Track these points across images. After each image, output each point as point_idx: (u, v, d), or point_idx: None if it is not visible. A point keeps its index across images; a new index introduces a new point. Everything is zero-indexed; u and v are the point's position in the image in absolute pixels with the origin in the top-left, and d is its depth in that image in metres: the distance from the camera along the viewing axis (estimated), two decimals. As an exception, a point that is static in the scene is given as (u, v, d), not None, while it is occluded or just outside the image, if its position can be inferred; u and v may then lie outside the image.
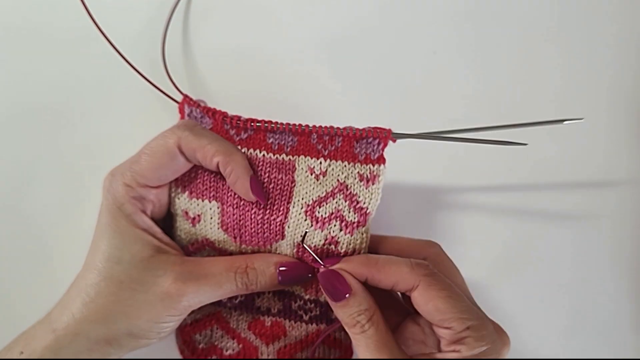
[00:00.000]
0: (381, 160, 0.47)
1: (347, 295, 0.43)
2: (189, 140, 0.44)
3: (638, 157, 0.60)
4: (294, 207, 0.47)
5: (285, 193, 0.47)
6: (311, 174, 0.47)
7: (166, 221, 0.50)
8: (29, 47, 0.58)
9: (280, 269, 0.47)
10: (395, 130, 0.47)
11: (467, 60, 0.60)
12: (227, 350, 0.52)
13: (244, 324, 0.51)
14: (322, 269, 0.45)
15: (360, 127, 0.47)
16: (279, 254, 0.49)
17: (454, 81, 0.59)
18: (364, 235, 0.47)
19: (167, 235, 0.48)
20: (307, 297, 0.50)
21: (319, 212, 0.47)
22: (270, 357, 0.51)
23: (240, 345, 0.51)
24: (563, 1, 0.61)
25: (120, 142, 0.55)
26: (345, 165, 0.47)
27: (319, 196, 0.47)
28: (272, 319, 0.51)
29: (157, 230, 0.47)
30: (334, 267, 0.44)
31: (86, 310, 0.43)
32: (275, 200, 0.47)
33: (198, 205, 0.48)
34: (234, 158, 0.45)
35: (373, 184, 0.47)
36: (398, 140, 0.47)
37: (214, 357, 0.52)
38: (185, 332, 0.52)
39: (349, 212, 0.47)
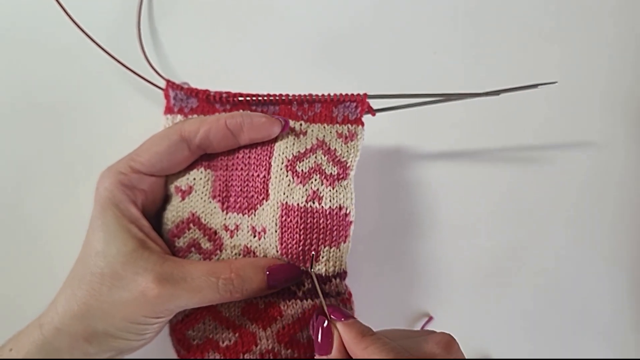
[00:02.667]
0: (359, 122, 0.49)
1: (322, 352, 0.43)
2: (191, 122, 0.46)
3: (635, 156, 0.61)
4: (274, 161, 0.48)
5: (266, 148, 0.48)
6: (291, 132, 0.49)
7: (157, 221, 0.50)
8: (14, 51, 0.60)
9: (268, 273, 0.46)
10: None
11: (467, 60, 0.62)
12: (223, 342, 0.49)
13: (237, 311, 0.49)
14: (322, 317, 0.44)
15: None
16: (265, 257, 0.48)
17: (454, 80, 0.61)
18: (347, 189, 0.47)
19: (154, 231, 0.48)
20: None
21: (299, 167, 0.47)
22: (269, 342, 0.49)
23: (237, 334, 0.49)
24: (562, 2, 0.64)
25: (111, 138, 0.57)
26: (324, 127, 0.49)
27: (298, 152, 0.48)
28: (265, 300, 0.49)
29: (144, 223, 0.46)
30: (338, 325, 0.43)
31: (68, 304, 0.43)
32: (258, 156, 0.48)
33: (191, 174, 0.49)
34: (237, 113, 0.47)
35: (352, 140, 0.49)
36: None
37: (210, 352, 0.49)
38: (178, 330, 0.50)
39: (329, 165, 0.48)
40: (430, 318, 0.58)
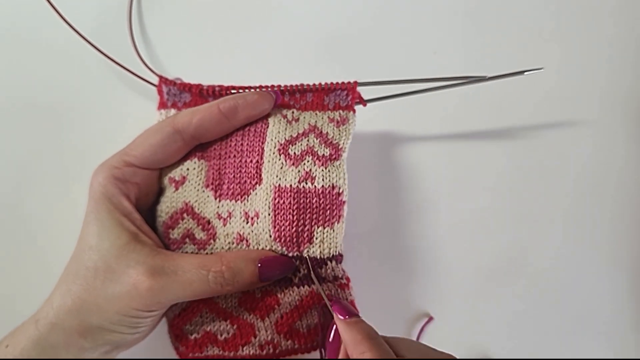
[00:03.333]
0: (350, 108, 0.50)
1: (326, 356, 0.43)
2: (183, 114, 0.47)
3: (635, 155, 0.62)
4: (267, 146, 0.48)
5: (259, 134, 0.49)
6: (284, 118, 0.49)
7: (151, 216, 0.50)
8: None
9: (260, 265, 0.45)
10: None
11: (467, 60, 0.63)
12: (221, 335, 0.49)
13: (234, 302, 0.49)
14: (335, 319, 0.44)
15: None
16: (257, 250, 0.48)
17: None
18: (339, 169, 0.48)
19: (147, 225, 0.48)
20: (290, 255, 0.48)
21: (291, 150, 0.48)
22: (267, 333, 0.48)
23: (235, 326, 0.49)
24: (562, 2, 0.64)
25: (107, 135, 0.58)
26: (316, 114, 0.50)
27: (291, 136, 0.49)
28: (262, 289, 0.49)
29: (137, 217, 0.46)
30: (338, 322, 0.42)
31: (62, 299, 0.43)
32: (250, 143, 0.49)
33: (185, 165, 0.49)
34: (228, 97, 0.48)
35: (343, 125, 0.50)
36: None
37: (209, 347, 0.48)
38: (175, 326, 0.49)
39: (321, 147, 0.48)
40: (431, 318, 0.57)
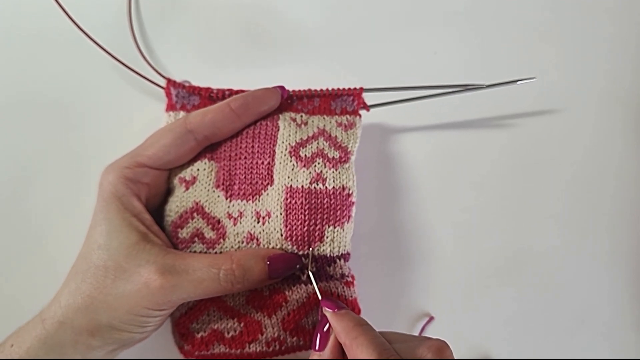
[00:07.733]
0: (356, 113, 0.52)
1: (317, 348, 0.44)
2: (195, 114, 0.48)
3: (634, 154, 0.62)
4: (279, 148, 0.50)
5: (270, 137, 0.50)
6: (293, 122, 0.51)
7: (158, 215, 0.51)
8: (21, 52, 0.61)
9: (269, 262, 0.46)
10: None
11: (467, 60, 0.63)
12: (228, 333, 0.49)
13: (241, 300, 0.50)
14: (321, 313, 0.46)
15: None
16: (266, 248, 0.49)
17: (454, 80, 0.59)
18: (349, 171, 0.50)
19: (157, 225, 0.48)
20: (300, 253, 0.49)
21: (302, 152, 0.50)
22: (274, 330, 0.49)
23: (242, 324, 0.49)
24: (562, 2, 0.65)
25: (112, 136, 0.58)
26: (324, 118, 0.52)
27: (301, 139, 0.50)
28: (270, 287, 0.49)
29: (147, 217, 0.47)
30: (328, 315, 0.44)
31: (71, 298, 0.43)
32: (261, 145, 0.50)
33: (195, 166, 0.50)
34: (237, 95, 0.49)
35: (351, 129, 0.51)
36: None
37: (215, 345, 0.49)
38: (181, 324, 0.50)
39: (331, 150, 0.50)
40: (431, 318, 0.58)
